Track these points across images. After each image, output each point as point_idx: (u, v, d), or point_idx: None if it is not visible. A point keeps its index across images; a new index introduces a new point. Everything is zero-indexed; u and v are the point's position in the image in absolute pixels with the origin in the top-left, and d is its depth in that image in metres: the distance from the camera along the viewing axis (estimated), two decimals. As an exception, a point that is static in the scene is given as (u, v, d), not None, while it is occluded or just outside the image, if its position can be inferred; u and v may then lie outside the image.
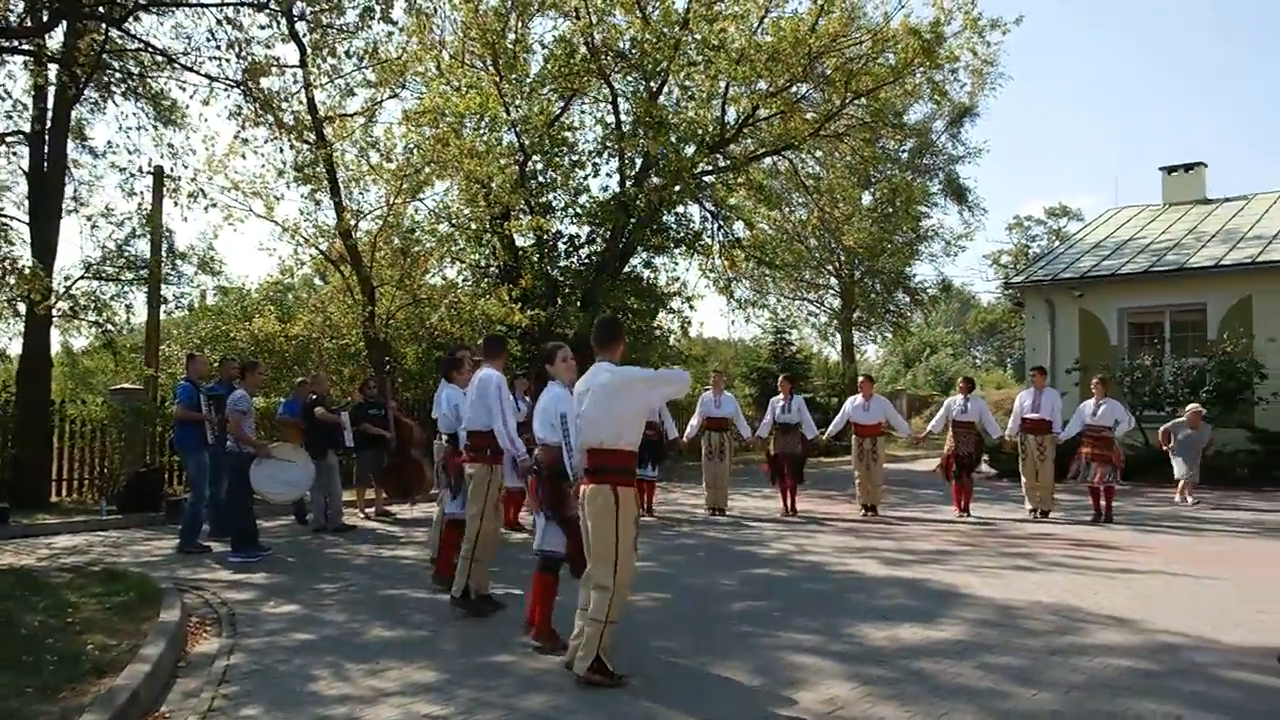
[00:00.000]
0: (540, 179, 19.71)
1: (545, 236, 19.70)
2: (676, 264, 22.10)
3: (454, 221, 18.54)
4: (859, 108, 20.00)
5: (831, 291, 37.19)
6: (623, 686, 4.91)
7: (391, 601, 7.21)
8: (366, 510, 12.42)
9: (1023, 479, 12.25)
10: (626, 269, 20.63)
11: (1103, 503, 11.56)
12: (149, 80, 14.52)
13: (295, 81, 13.88)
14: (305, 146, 14.25)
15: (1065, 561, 8.75)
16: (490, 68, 18.26)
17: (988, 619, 6.48)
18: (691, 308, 21.41)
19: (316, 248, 16.27)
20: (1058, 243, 32.27)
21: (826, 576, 8.16)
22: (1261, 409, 16.22)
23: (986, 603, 6.98)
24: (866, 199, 31.09)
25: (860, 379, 13.38)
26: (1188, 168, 23.60)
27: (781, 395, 12.57)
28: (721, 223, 21.77)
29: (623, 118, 19.77)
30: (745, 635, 6.09)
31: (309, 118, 14.36)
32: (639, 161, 19.91)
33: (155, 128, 15.56)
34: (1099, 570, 8.29)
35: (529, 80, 18.90)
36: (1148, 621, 6.33)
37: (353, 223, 15.27)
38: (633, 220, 19.23)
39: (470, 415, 6.71)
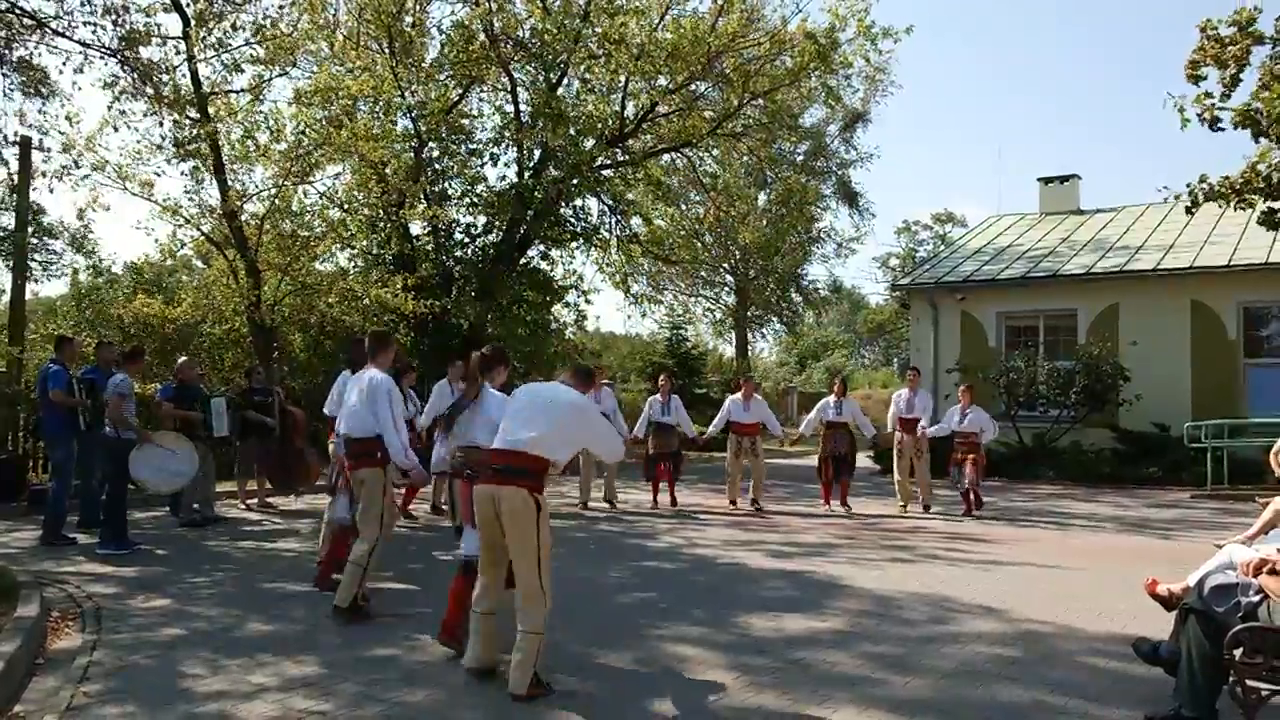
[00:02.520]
0: (436, 166, 19.37)
1: (441, 225, 19.38)
2: (573, 257, 22.03)
3: (346, 206, 18.06)
4: (756, 108, 20.31)
5: (727, 289, 37.76)
6: (554, 693, 4.73)
7: (269, 595, 6.99)
8: (248, 501, 12.01)
9: (896, 476, 12.66)
10: (523, 260, 20.46)
11: (972, 498, 12.12)
12: (16, 45, 13.67)
13: (178, 54, 13.29)
14: (187, 122, 13.64)
15: (940, 554, 9.09)
16: (386, 50, 17.84)
17: (867, 609, 6.68)
18: (588, 301, 21.44)
19: (198, 228, 15.61)
20: (942, 248, 33.50)
21: (714, 569, 8.27)
22: (1125, 410, 17.16)
23: (866, 593, 7.20)
24: (762, 199, 31.64)
25: (742, 380, 13.73)
26: (1063, 179, 24.76)
27: (660, 395, 12.74)
28: (619, 217, 21.80)
29: (522, 108, 19.59)
30: (633, 626, 6.12)
31: (192, 92, 13.75)
32: (537, 153, 19.76)
33: (22, 96, 14.68)
34: (972, 562, 8.64)
35: (426, 65, 18.55)
36: (1015, 611, 6.63)
37: (238, 204, 14.71)
38: (530, 212, 19.07)
39: (353, 421, 6.29)
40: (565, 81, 19.70)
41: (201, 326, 16.80)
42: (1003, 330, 19.89)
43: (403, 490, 10.72)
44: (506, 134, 19.74)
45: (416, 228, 19.35)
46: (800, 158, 35.84)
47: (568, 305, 21.30)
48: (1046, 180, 24.96)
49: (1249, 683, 4.03)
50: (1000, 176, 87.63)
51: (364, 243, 19.19)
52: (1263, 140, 11.20)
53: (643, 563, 8.56)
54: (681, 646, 5.65)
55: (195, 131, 13.88)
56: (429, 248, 19.42)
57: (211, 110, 14.20)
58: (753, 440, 12.53)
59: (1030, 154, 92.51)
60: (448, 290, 18.65)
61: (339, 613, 6.21)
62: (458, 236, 20.35)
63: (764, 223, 30.77)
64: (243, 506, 11.87)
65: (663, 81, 18.88)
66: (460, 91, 19.16)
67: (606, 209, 21.64)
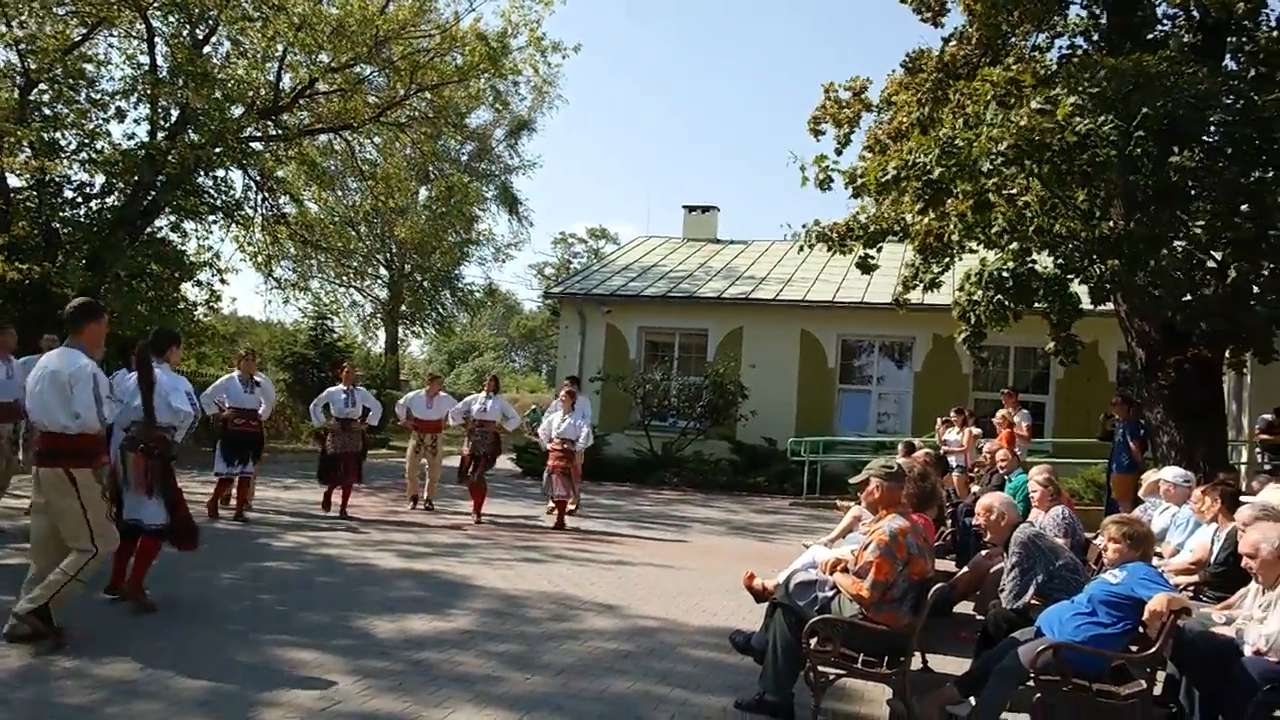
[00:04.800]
0: (47, 112, 16.94)
1: (50, 180, 16.93)
2: (210, 232, 20.26)
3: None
4: (423, 101, 19.97)
5: (380, 282, 36.70)
6: (60, 642, 5.00)
7: None
8: None
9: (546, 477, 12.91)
10: (150, 230, 18.47)
11: (563, 511, 11.49)
12: None
13: None
14: None
15: (569, 554, 9.43)
16: (-10, -30, 15.35)
17: (494, 608, 6.75)
18: (224, 282, 19.71)
19: None
20: (594, 262, 34.95)
21: (340, 570, 7.96)
22: (742, 425, 18.88)
23: (494, 593, 7.27)
24: (423, 194, 31.12)
25: (429, 376, 13.33)
26: (704, 209, 26.81)
27: (342, 384, 11.46)
28: (267, 195, 20.38)
29: (160, 61, 17.71)
30: (243, 633, 5.70)
31: None
32: (175, 113, 17.97)
33: None
34: (597, 562, 9.04)
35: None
36: (631, 608, 7.03)
37: None
38: (162, 177, 17.26)
39: None
40: (214, 40, 18.15)
41: None
42: (643, 344, 21.09)
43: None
44: (139, 88, 17.74)
45: (15, 179, 16.78)
46: (465, 157, 35.82)
47: (200, 284, 19.51)
48: (690, 208, 26.89)
49: (820, 668, 4.57)
50: (651, 200, 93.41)
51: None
52: (864, 197, 12.87)
53: (262, 564, 8.02)
54: (297, 652, 5.35)
55: None
56: (30, 204, 16.91)
57: None
58: (434, 438, 12.24)
59: (679, 182, 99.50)
60: (51, 255, 16.35)
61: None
62: (68, 195, 17.93)
63: (423, 218, 30.27)
64: None
65: (325, 58, 17.98)
66: (84, 32, 16.93)
67: (253, 184, 20.16)
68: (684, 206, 26.93)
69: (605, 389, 19.20)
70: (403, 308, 36.84)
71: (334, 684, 4.81)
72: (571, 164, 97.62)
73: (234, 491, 10.45)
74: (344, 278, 33.89)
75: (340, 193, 25.74)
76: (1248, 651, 4.17)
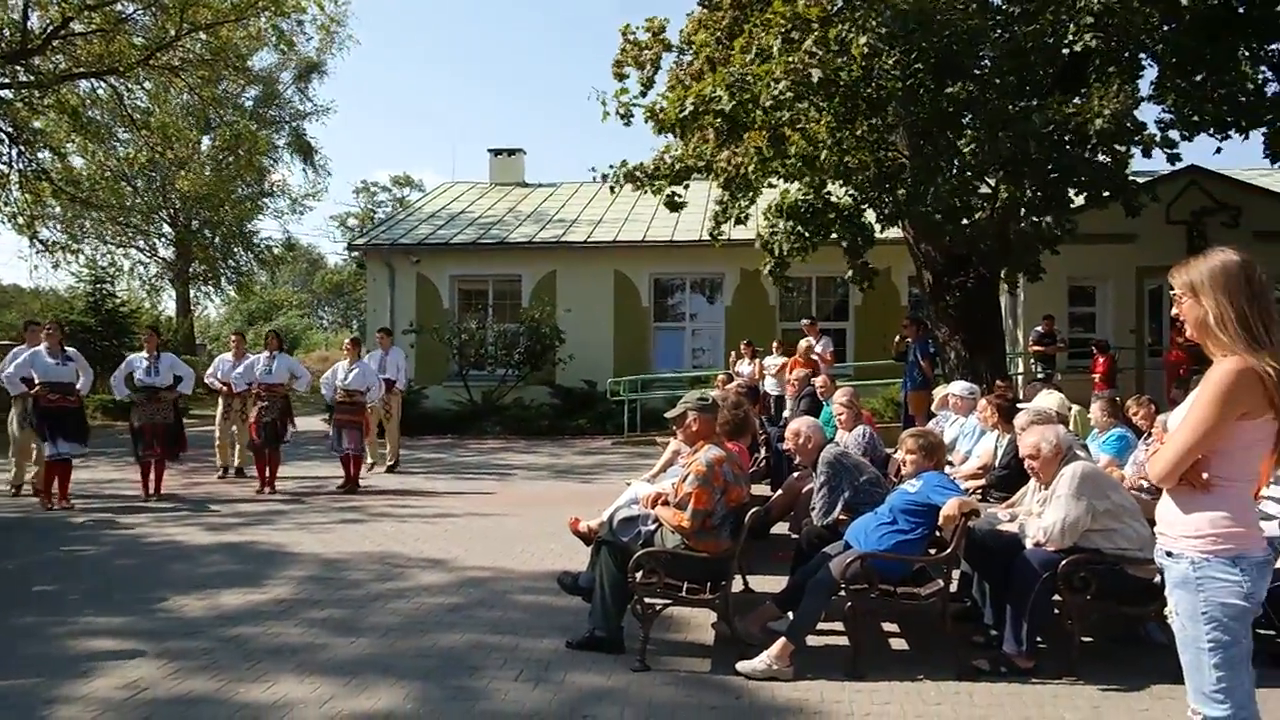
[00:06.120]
0: None
1: None
2: (-41, 192, 18.23)
3: None
4: (197, 42, 18.49)
5: (164, 241, 34.14)
6: None
7: None
8: None
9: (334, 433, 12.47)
10: (-118, 192, 16.42)
11: (352, 470, 10.73)
12: None
13: None
14: None
15: (391, 511, 9.21)
16: None
17: (314, 575, 6.51)
18: (-21, 246, 17.84)
19: None
20: (400, 210, 33.76)
21: (142, 550, 7.45)
22: (561, 369, 18.90)
23: (313, 559, 7.01)
24: (205, 143, 29.04)
25: (234, 334, 12.93)
26: (510, 152, 26.36)
27: (145, 351, 10.41)
28: (23, 149, 18.46)
29: (-124, -1, 15.60)
30: (32, 625, 5.26)
31: None
32: (-98, 58, 15.94)
33: None
34: (421, 518, 8.88)
35: None
36: (458, 560, 6.96)
37: None
38: (-109, 131, 15.33)
39: None
40: (-59, -25, 16.11)
41: None
42: (455, 293, 20.65)
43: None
44: None
45: None
46: (250, 104, 33.58)
47: (-51, 250, 17.58)
48: (496, 152, 26.37)
49: (647, 600, 4.67)
50: (455, 145, 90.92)
51: None
52: (668, 135, 12.97)
53: (54, 550, 7.40)
54: (95, 640, 4.98)
55: None
56: None
57: None
58: (244, 400, 11.57)
59: (484, 126, 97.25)
60: None
61: None
62: None
63: (207, 170, 28.27)
64: None
65: (78, -6, 16.33)
66: None
67: (5, 137, 18.17)
68: (489, 150, 26.44)
69: (420, 341, 18.73)
70: (193, 267, 34.48)
71: (138, 670, 4.51)
72: (370, 109, 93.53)
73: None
74: (122, 237, 31.29)
75: (111, 145, 23.55)
76: (1029, 544, 4.57)
